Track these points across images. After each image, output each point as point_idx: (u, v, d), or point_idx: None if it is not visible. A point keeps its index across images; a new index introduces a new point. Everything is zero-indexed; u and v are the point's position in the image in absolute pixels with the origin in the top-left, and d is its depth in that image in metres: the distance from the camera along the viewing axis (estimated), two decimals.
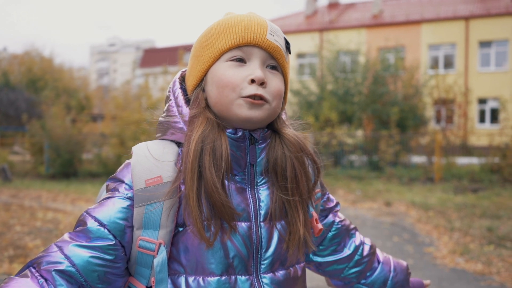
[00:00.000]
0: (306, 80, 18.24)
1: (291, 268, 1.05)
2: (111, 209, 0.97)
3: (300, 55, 26.48)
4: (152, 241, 0.96)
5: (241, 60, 0.99)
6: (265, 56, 1.00)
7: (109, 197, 0.99)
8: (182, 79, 1.10)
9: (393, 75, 16.38)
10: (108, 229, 0.95)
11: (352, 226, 1.27)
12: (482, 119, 23.35)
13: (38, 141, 15.05)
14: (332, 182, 12.53)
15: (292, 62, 25.50)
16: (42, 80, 26.39)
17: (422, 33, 24.42)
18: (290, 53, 1.06)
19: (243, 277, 0.98)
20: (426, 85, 17.09)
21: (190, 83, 1.05)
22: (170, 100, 1.05)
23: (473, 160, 14.76)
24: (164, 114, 1.06)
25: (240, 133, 0.99)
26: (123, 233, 0.97)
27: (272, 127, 1.05)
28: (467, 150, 16.09)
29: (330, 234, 1.20)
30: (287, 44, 1.04)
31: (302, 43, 25.59)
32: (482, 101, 23.35)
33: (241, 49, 0.99)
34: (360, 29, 24.83)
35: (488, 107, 23.21)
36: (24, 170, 15.61)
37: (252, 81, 0.97)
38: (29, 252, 5.54)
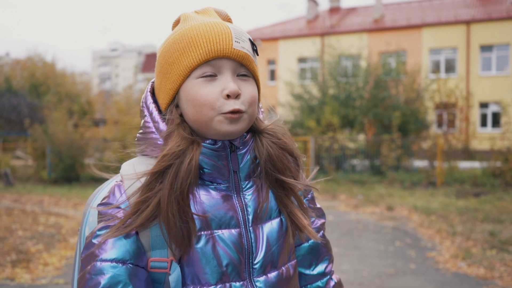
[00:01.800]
0: (308, 85, 18.26)
1: (283, 268, 1.05)
2: (122, 243, 0.94)
3: (302, 60, 26.53)
4: (163, 260, 0.96)
5: (212, 75, 0.96)
6: (235, 65, 0.97)
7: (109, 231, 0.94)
8: (153, 90, 1.06)
9: (394, 79, 16.39)
10: (131, 264, 0.93)
11: (331, 253, 1.21)
12: (483, 123, 23.32)
13: (40, 146, 15.08)
14: (334, 187, 12.53)
15: (293, 66, 25.57)
16: (44, 85, 26.45)
17: (423, 37, 24.44)
18: (257, 54, 1.03)
19: (237, 284, 0.98)
20: (427, 89, 17.09)
21: (162, 100, 1.01)
22: (145, 115, 1.02)
23: (475, 164, 14.73)
24: (141, 131, 1.03)
25: (219, 143, 0.98)
26: (142, 258, 0.96)
27: (252, 130, 1.04)
28: (469, 154, 16.05)
29: (306, 244, 1.16)
30: (254, 46, 1.01)
31: (303, 48, 25.65)
32: (484, 105, 23.34)
33: (210, 64, 0.96)
34: (361, 34, 24.88)
35: (489, 111, 23.19)
36: (26, 174, 15.65)
37: (228, 95, 0.95)
38: (32, 257, 5.55)
